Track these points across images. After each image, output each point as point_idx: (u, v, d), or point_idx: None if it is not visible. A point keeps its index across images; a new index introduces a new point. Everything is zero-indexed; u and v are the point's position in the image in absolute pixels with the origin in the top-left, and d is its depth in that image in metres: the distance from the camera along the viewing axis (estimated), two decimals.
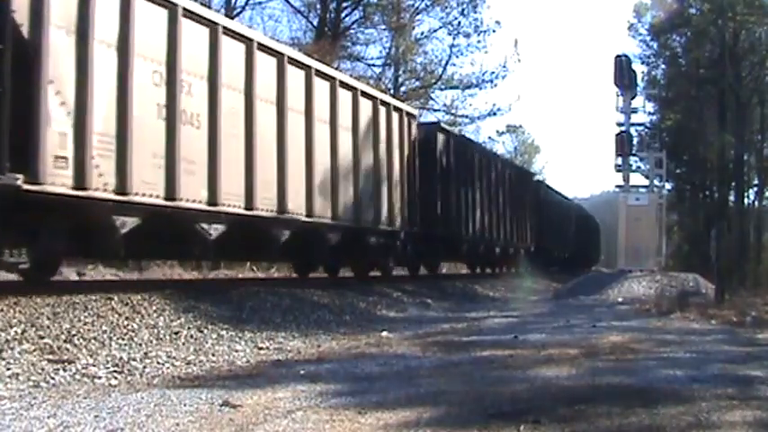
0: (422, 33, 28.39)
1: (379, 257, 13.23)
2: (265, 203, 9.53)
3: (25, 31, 6.39)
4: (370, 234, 12.45)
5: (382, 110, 12.86)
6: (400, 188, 13.52)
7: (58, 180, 6.65)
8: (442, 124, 17.86)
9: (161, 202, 7.81)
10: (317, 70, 10.87)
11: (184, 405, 4.00)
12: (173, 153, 7.91)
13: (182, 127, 8.05)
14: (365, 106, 12.25)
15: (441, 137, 15.77)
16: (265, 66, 9.64)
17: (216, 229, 8.59)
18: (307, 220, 10.47)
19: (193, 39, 8.35)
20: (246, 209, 9.17)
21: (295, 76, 10.30)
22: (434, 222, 15.01)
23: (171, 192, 7.89)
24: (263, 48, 9.63)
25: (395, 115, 13.38)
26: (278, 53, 10.01)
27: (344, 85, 11.75)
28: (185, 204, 8.12)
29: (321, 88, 10.99)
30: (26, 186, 6.33)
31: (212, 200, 8.51)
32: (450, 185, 15.89)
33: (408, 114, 14.24)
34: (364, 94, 12.32)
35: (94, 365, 5.17)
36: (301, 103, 10.46)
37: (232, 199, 8.87)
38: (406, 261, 15.26)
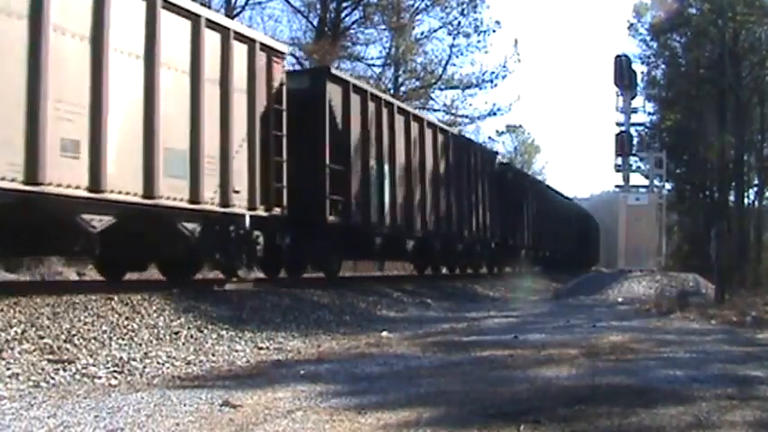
0: (422, 33, 28.49)
1: (206, 252, 9.13)
2: None
3: None
4: (179, 216, 8.41)
5: (210, 36, 8.76)
6: (248, 153, 9.40)
7: None
8: (336, 71, 12.90)
9: None
10: None
11: (184, 405, 4.00)
12: None
13: None
14: (177, 26, 8.26)
15: (333, 88, 11.52)
16: None
17: None
18: (26, 189, 6.56)
19: None
20: None
21: None
22: (321, 205, 11.04)
23: None
24: None
25: (237, 47, 9.26)
26: None
27: None
28: None
29: None
30: None
31: None
32: (348, 156, 11.81)
33: (266, 48, 9.93)
34: (173, 7, 8.19)
35: (94, 365, 5.16)
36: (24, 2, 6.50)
37: None
38: (279, 259, 11.31)
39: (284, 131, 10.19)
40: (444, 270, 17.93)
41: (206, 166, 8.64)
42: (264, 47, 9.90)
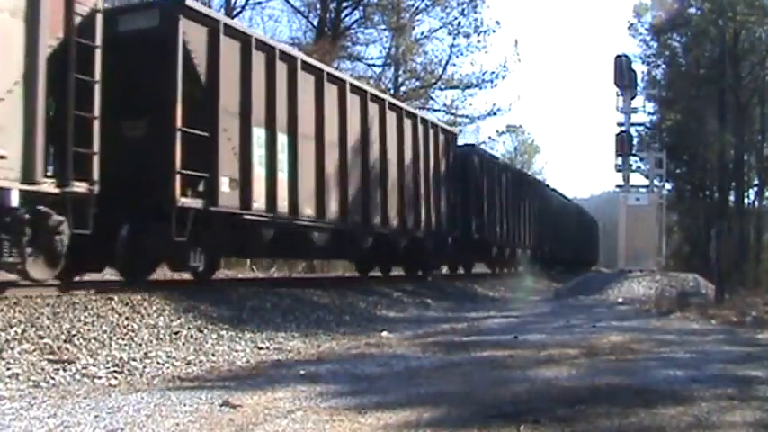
0: (422, 33, 28.48)
1: None
2: None
3: None
4: None
5: None
6: (25, 102, 6.49)
7: None
8: (200, 6, 9.30)
9: None
10: None
11: (184, 405, 4.00)
12: None
13: None
14: None
15: (192, 28, 8.61)
16: None
17: None
18: None
19: None
20: None
21: None
22: (167, 182, 8.16)
23: None
24: None
25: None
26: None
27: None
28: None
29: None
30: None
31: None
32: (215, 120, 8.83)
33: None
34: None
35: (94, 365, 5.17)
36: None
37: None
38: (109, 254, 8.40)
39: (97, 76, 7.29)
40: (402, 270, 15.60)
41: None
42: None
